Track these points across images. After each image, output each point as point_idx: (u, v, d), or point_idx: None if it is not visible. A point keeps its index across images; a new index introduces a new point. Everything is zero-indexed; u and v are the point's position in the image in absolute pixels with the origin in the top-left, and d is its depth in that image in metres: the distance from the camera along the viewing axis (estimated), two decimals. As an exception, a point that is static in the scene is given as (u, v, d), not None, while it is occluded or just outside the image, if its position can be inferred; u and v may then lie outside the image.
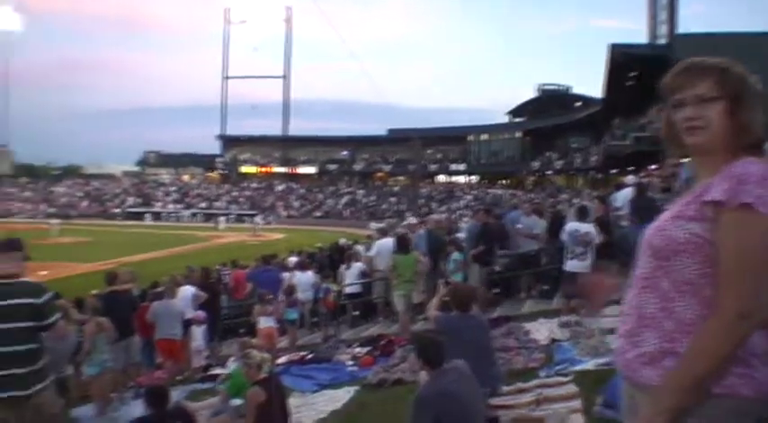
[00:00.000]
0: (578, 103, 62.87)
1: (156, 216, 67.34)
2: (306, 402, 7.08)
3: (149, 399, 4.86)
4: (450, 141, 72.62)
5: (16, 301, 4.22)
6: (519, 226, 11.47)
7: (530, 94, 76.36)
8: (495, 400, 5.15)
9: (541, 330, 7.81)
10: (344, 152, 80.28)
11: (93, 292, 12.58)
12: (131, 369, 9.22)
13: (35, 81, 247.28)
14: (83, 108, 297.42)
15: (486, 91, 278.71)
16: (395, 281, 9.87)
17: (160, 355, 9.80)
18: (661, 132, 1.86)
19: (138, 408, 7.05)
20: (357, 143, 79.33)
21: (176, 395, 7.12)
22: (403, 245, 10.13)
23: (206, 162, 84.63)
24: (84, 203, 73.84)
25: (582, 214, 8.81)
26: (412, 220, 17.15)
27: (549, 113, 64.14)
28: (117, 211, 69.44)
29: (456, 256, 10.35)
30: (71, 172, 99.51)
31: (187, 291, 10.39)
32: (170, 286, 10.08)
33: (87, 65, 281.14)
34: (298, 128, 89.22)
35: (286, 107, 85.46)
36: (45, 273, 19.88)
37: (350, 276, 12.93)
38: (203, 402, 7.27)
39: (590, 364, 5.88)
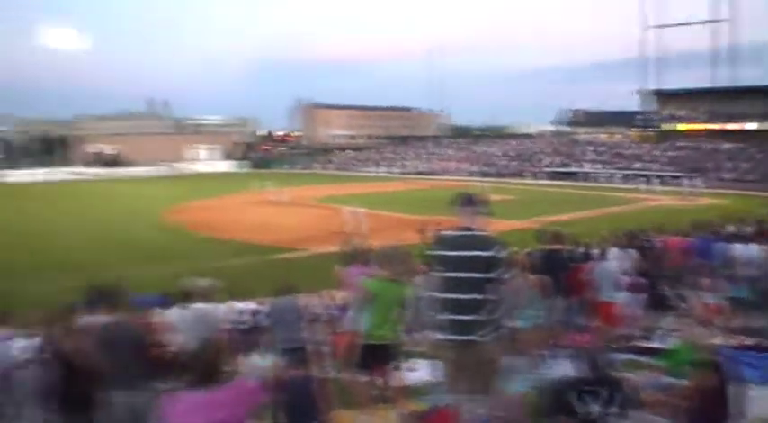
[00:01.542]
0: None
1: (581, 176, 67.79)
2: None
3: (588, 361, 4.69)
4: None
5: (471, 253, 4.45)
6: None
7: None
8: None
9: None
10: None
11: (527, 250, 13.07)
12: (556, 327, 9.30)
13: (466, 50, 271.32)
14: (507, 70, 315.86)
15: None
16: None
17: (597, 318, 9.66)
18: None
19: (562, 367, 7.00)
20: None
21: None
22: None
23: (629, 120, 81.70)
24: (510, 163, 78.33)
25: None
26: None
27: None
28: (542, 170, 71.68)
29: None
30: (497, 132, 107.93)
31: (620, 254, 10.04)
32: (609, 248, 9.90)
33: (508, 29, 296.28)
34: (739, 78, 78.67)
35: (731, 55, 76.14)
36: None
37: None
38: (636, 376, 6.85)
39: None
